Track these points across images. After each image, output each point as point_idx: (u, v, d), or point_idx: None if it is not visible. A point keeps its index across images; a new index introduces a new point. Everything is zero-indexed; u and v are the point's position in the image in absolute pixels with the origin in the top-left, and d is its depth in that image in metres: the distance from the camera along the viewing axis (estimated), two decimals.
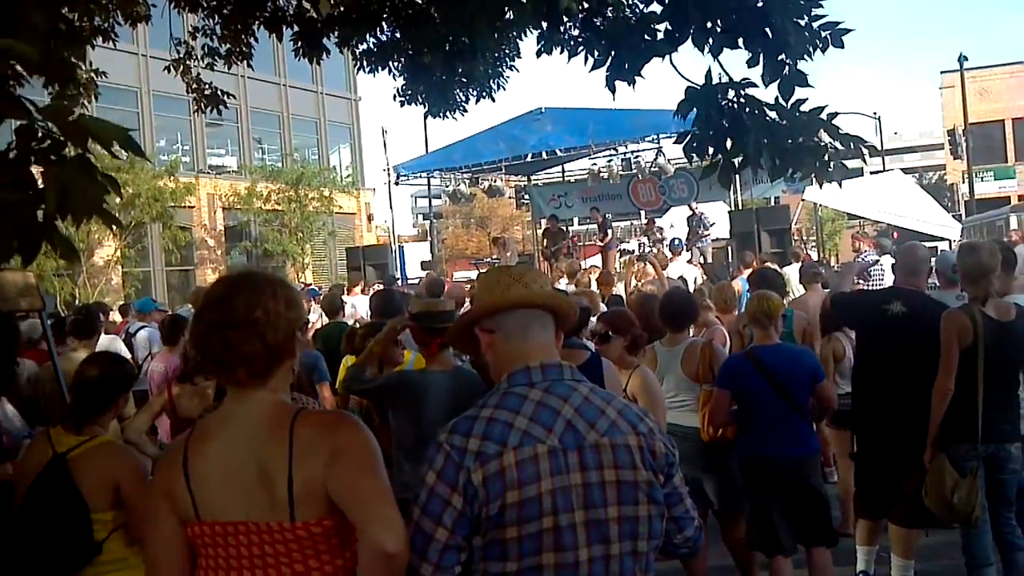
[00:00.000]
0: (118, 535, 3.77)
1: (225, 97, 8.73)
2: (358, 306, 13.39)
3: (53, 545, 3.62)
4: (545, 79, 61.31)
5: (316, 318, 11.80)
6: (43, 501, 3.65)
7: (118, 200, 27.11)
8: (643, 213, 25.24)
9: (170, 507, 2.28)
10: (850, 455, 6.07)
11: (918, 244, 6.14)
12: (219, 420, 2.34)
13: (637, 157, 23.63)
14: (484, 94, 8.16)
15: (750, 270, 11.55)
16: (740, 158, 4.72)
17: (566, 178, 28.50)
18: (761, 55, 4.53)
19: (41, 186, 2.57)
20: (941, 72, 46.44)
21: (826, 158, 4.68)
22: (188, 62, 8.70)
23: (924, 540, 5.67)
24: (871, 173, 21.83)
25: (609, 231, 22.55)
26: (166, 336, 7.57)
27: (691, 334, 6.15)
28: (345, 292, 15.52)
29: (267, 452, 2.22)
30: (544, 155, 23.93)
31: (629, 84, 5.08)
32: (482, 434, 2.18)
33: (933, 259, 6.46)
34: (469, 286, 12.59)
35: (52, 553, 3.62)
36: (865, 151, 4.79)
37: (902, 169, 31.77)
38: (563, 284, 12.81)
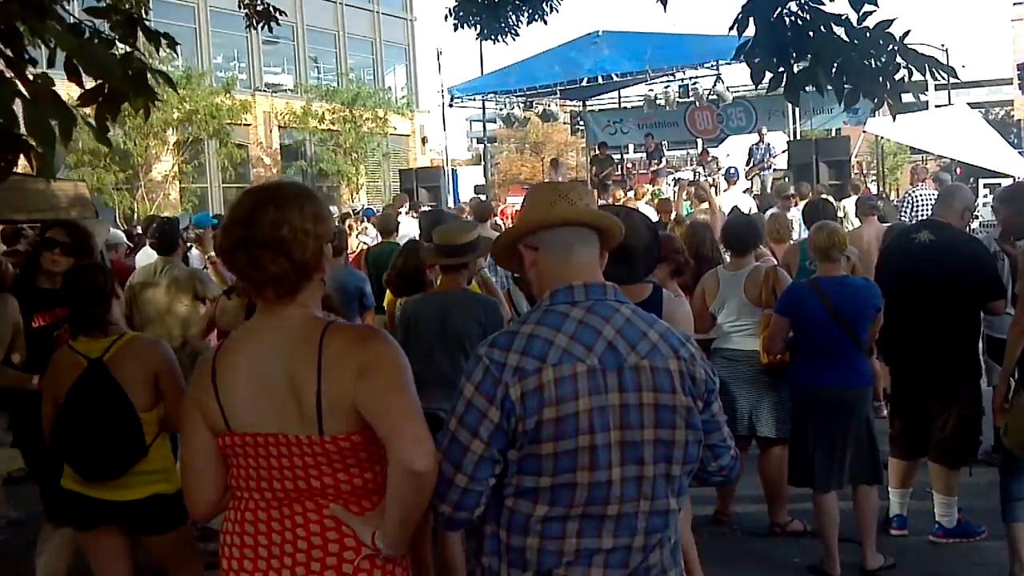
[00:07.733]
0: (162, 443, 3.84)
1: (277, 14, 8.64)
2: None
3: (102, 447, 3.67)
4: (603, 1, 59.94)
5: (369, 239, 11.86)
6: (87, 405, 3.69)
7: (176, 115, 27.40)
8: (700, 142, 24.85)
9: (201, 418, 2.31)
10: (884, 392, 5.92)
11: (962, 185, 5.89)
12: (248, 333, 2.36)
13: (695, 84, 23.17)
14: (536, 16, 7.96)
15: (805, 201, 11.34)
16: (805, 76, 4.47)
17: (622, 104, 28.04)
18: None
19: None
20: (1013, 4, 44.83)
21: (897, 81, 4.40)
22: None
23: (967, 479, 5.52)
24: (936, 106, 21.22)
25: (663, 159, 22.29)
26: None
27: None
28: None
29: (296, 365, 2.23)
30: (600, 79, 23.55)
31: None
32: (522, 350, 2.16)
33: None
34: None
35: (101, 455, 3.68)
36: (941, 74, 4.48)
37: (968, 103, 30.80)
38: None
